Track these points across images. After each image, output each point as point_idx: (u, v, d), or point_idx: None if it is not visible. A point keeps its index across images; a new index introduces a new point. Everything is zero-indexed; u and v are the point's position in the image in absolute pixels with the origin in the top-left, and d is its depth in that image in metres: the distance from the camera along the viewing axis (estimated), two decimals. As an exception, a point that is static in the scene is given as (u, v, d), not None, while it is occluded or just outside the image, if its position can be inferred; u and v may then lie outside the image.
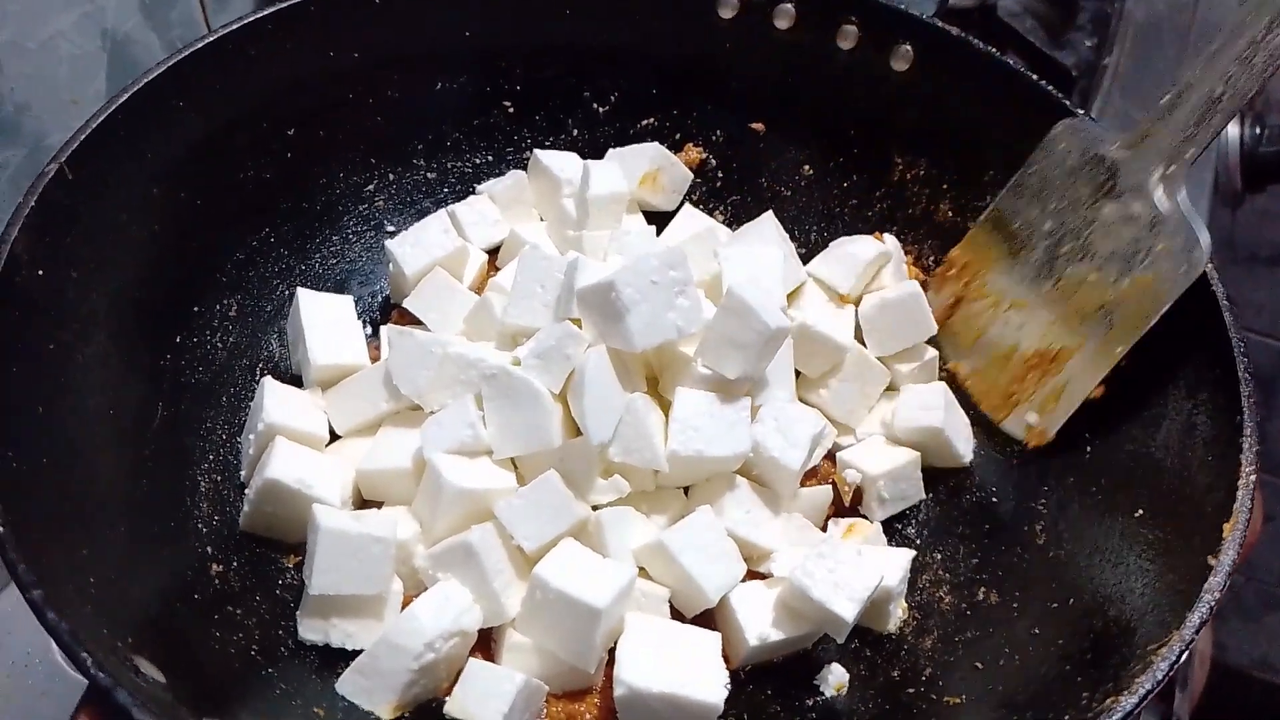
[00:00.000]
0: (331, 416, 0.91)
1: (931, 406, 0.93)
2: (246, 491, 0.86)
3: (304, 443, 0.86)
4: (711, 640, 0.78)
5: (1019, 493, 0.91)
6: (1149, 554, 0.76)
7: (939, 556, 0.92)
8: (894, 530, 0.96)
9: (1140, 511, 0.79)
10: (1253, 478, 0.73)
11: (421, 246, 0.98)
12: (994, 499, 0.93)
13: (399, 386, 0.87)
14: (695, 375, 0.86)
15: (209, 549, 0.82)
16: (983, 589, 0.87)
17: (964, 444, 0.95)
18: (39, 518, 0.67)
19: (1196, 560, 0.70)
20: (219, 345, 0.92)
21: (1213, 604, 0.68)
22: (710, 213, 1.09)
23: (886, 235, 1.03)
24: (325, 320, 0.93)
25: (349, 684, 0.77)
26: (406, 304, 0.97)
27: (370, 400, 0.90)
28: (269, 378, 0.90)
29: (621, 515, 0.83)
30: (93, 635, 0.62)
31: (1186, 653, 0.66)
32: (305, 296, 0.94)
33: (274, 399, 0.87)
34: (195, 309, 0.92)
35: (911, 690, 0.82)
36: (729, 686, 0.76)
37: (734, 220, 1.10)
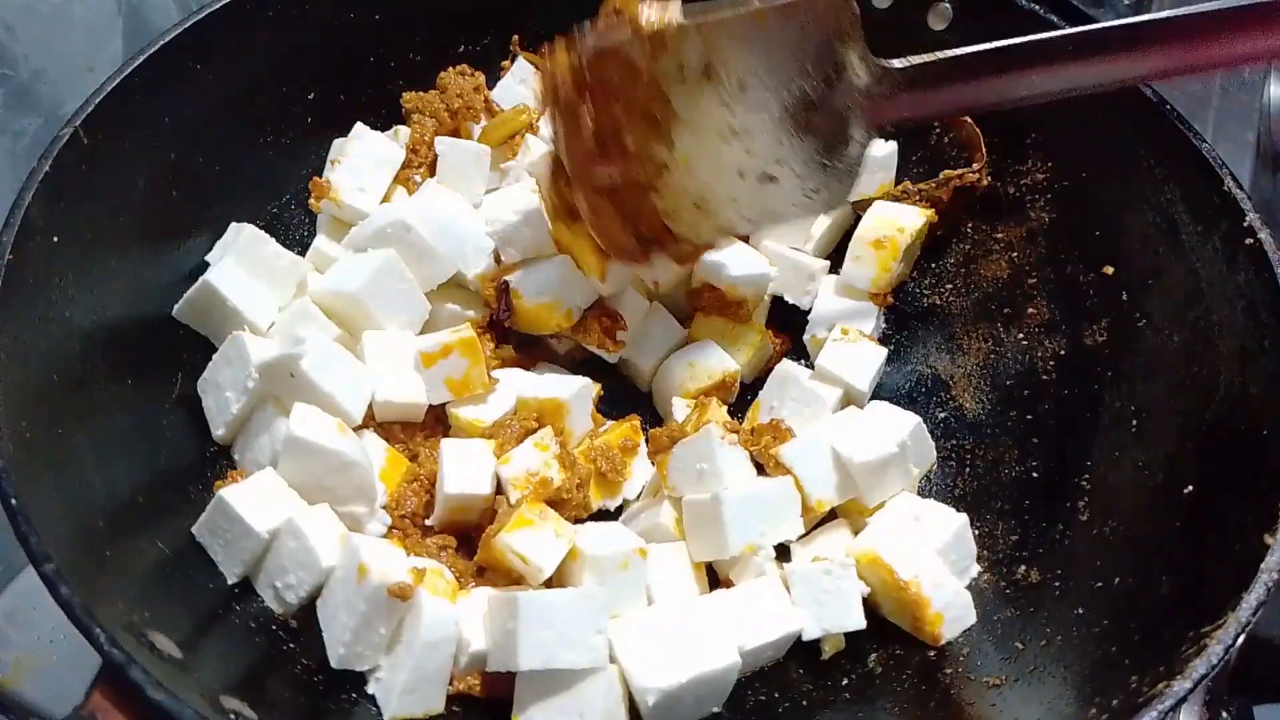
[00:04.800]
0: None
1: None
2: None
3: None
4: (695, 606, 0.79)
5: (1061, 467, 0.88)
6: (1200, 532, 0.73)
7: (976, 533, 0.89)
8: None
9: (1190, 488, 0.76)
10: (1313, 452, 0.69)
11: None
12: (1034, 474, 0.90)
13: None
14: None
15: (229, 522, 0.80)
16: (1023, 567, 0.84)
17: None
18: (53, 490, 0.66)
19: (1252, 538, 0.67)
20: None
21: (1270, 584, 0.65)
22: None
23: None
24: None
25: (402, 706, 0.74)
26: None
27: None
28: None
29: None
30: (106, 610, 0.60)
31: (1243, 635, 0.63)
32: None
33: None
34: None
35: (949, 670, 0.79)
36: (742, 646, 0.76)
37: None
